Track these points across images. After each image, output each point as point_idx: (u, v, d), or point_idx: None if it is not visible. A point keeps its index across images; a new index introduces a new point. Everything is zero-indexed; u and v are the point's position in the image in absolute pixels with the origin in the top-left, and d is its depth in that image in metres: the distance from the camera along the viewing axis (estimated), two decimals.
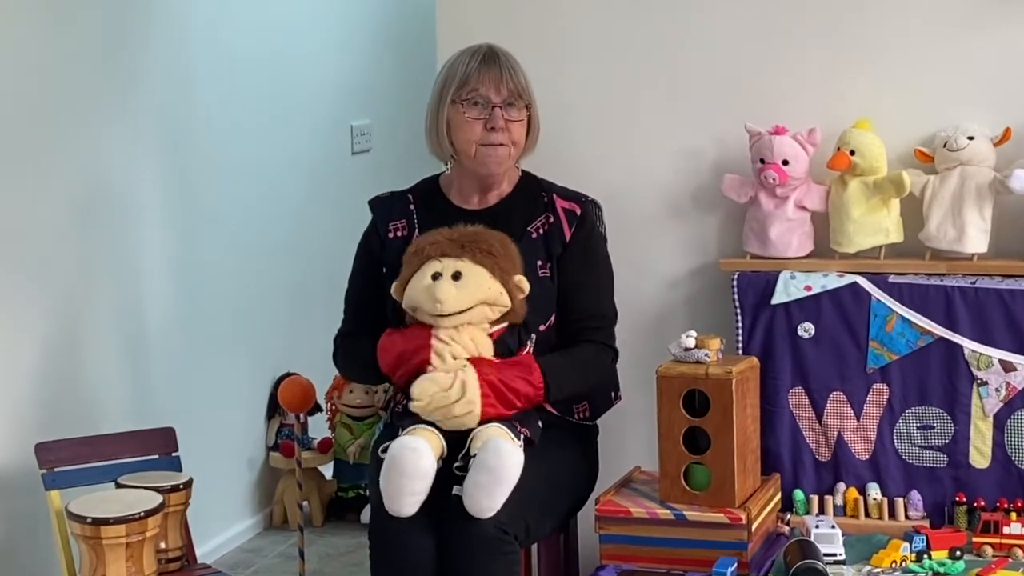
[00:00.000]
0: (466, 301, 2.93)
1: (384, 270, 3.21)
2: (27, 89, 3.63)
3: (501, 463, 2.84)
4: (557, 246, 3.19)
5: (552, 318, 3.18)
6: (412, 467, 2.84)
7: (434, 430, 2.92)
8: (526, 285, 3.00)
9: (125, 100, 4.04)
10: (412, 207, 3.26)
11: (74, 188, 3.83)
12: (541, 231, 3.20)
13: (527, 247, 3.18)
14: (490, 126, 3.13)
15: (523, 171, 3.29)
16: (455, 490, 2.89)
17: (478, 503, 2.85)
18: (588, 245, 3.22)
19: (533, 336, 3.09)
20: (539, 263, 3.18)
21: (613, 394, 3.37)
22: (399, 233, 3.23)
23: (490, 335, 2.98)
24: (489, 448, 2.85)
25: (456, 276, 2.92)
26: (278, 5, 4.86)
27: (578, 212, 3.22)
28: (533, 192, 3.25)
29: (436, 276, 2.93)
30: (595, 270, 3.23)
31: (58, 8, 3.73)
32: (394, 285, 3.03)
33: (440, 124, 3.18)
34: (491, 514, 2.86)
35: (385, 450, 2.92)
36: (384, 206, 3.29)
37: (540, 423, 3.08)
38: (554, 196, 3.24)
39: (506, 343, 3.01)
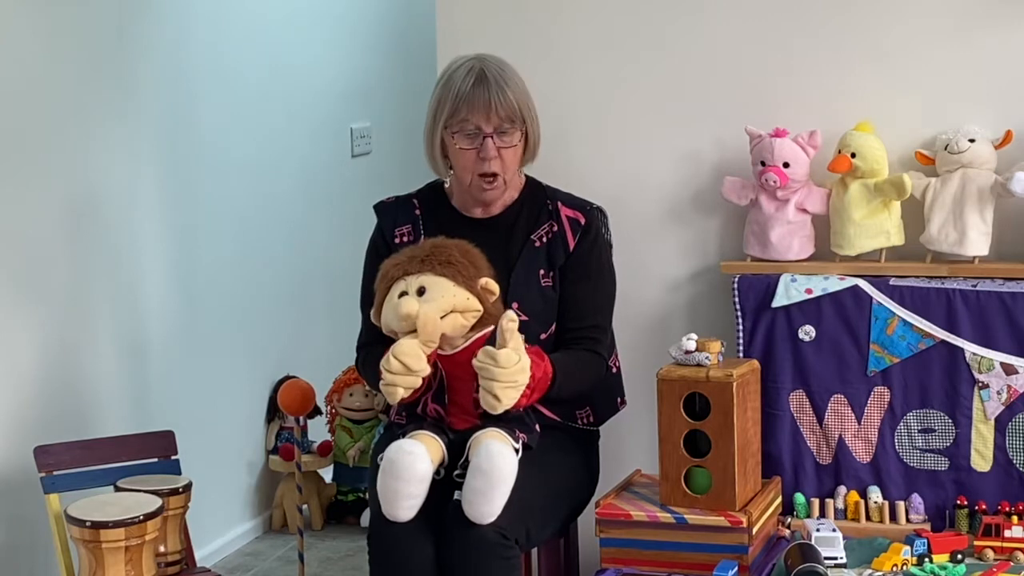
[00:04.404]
0: (433, 312, 2.89)
1: None
2: (26, 93, 3.63)
3: (493, 465, 2.82)
4: (560, 255, 3.18)
5: (553, 327, 3.18)
6: (407, 471, 2.83)
7: (435, 436, 2.91)
8: (494, 287, 2.95)
9: (124, 102, 4.04)
10: (418, 212, 3.25)
11: (73, 191, 3.83)
12: (544, 240, 3.19)
13: (530, 256, 3.17)
14: (482, 156, 3.10)
15: (528, 177, 3.28)
16: (456, 495, 2.88)
17: (477, 509, 2.84)
18: (591, 255, 3.21)
19: (522, 336, 3.07)
20: (541, 272, 3.17)
21: (619, 399, 3.36)
22: (405, 239, 3.22)
23: (476, 340, 2.95)
24: (481, 452, 2.84)
25: (420, 291, 2.89)
26: (278, 8, 4.86)
27: (582, 221, 3.20)
28: (537, 200, 3.24)
29: (403, 296, 2.90)
30: (597, 281, 3.22)
31: (56, 13, 3.73)
32: (371, 312, 3.00)
33: (435, 147, 3.17)
34: (492, 519, 2.85)
35: None
36: (390, 211, 3.27)
37: (538, 427, 3.07)
38: (558, 204, 3.23)
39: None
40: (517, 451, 2.89)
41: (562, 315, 3.18)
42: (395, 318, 2.88)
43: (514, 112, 3.11)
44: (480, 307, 2.92)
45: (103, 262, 3.95)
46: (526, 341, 3.04)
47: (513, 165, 3.15)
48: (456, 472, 2.90)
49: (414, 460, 2.83)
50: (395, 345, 2.86)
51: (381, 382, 2.89)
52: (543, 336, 3.15)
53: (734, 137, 3.46)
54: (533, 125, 3.17)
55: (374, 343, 3.06)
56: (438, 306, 2.87)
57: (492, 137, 3.09)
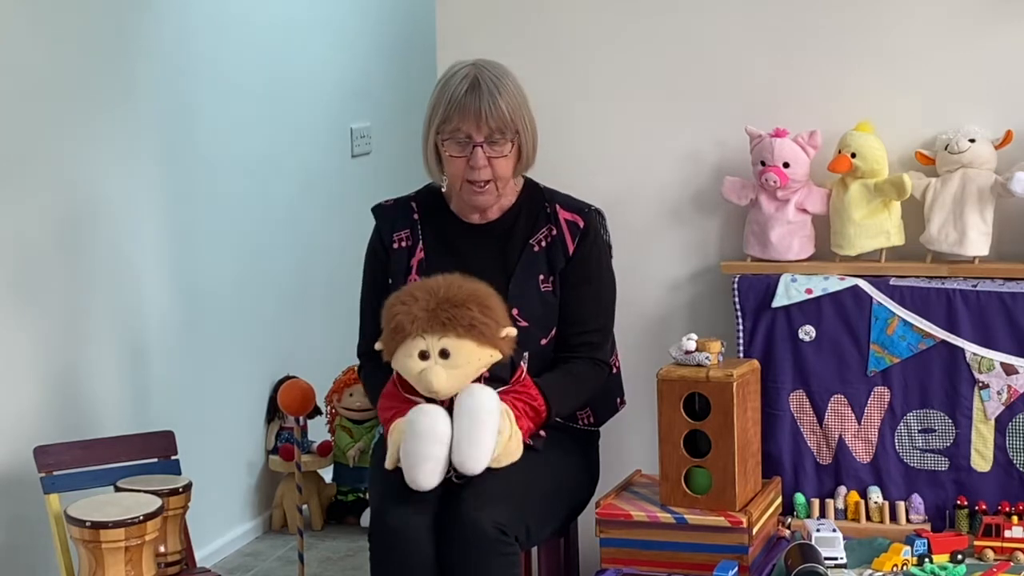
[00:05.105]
0: (461, 381, 2.90)
1: (390, 281, 3.20)
2: (25, 94, 3.63)
3: (474, 402, 2.85)
4: (560, 260, 3.17)
5: (553, 331, 3.17)
6: (429, 428, 2.85)
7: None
8: (514, 332, 2.95)
9: (124, 103, 4.04)
10: (416, 216, 3.24)
11: (73, 192, 3.82)
12: (543, 244, 3.18)
13: (529, 261, 3.17)
14: (471, 164, 3.09)
15: (526, 179, 3.26)
16: (453, 477, 2.90)
17: (465, 454, 2.84)
18: (591, 258, 3.20)
19: (526, 354, 3.08)
20: (541, 277, 3.16)
21: (618, 400, 3.37)
22: (403, 244, 3.22)
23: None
24: (461, 395, 2.88)
25: (444, 354, 2.88)
26: (278, 8, 4.85)
27: (581, 225, 3.19)
28: (535, 202, 3.23)
29: (423, 355, 2.89)
30: (597, 285, 3.21)
31: (56, 13, 3.73)
32: (378, 344, 2.97)
33: (430, 150, 3.16)
34: (483, 465, 2.85)
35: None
36: (388, 215, 3.26)
37: (543, 433, 3.07)
38: (556, 207, 3.21)
39: (496, 371, 2.99)
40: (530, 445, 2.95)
41: (563, 320, 3.18)
42: (419, 382, 2.90)
43: (505, 123, 3.08)
44: (501, 355, 2.94)
45: (103, 263, 3.95)
46: (526, 347, 3.04)
47: (505, 173, 3.13)
48: (454, 474, 2.91)
49: (435, 419, 2.86)
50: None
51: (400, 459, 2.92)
52: (543, 341, 3.15)
53: (734, 137, 3.45)
54: (527, 135, 3.14)
55: (376, 354, 3.04)
56: (463, 373, 2.90)
57: (482, 146, 3.08)
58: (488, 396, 2.88)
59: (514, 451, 2.93)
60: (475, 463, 2.85)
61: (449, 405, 2.92)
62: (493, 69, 3.13)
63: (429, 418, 2.86)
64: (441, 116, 3.10)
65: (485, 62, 3.14)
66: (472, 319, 2.88)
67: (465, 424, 2.85)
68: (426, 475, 2.86)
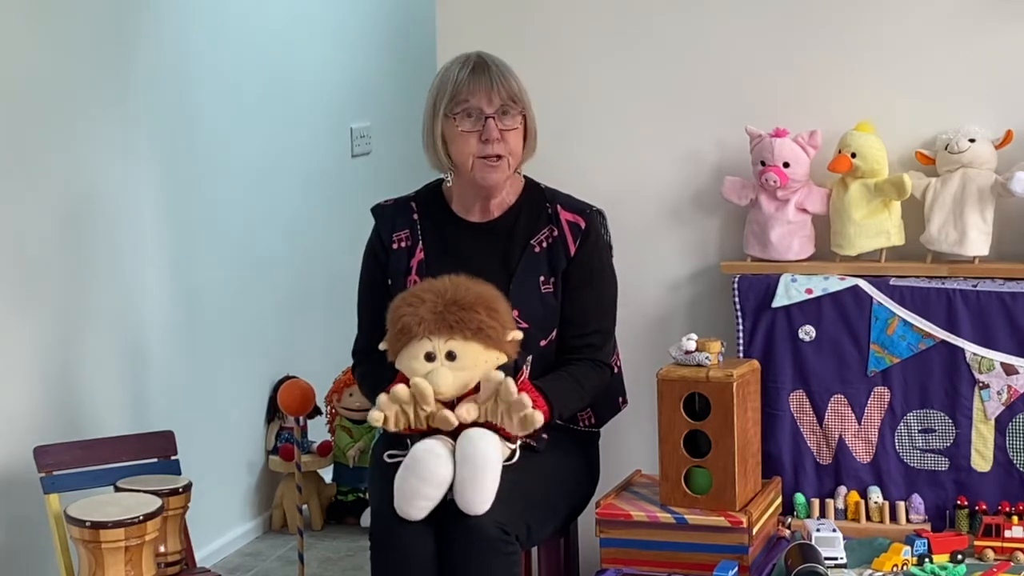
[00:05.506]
0: (465, 383, 2.90)
1: (388, 281, 3.19)
2: (24, 93, 3.63)
3: (476, 451, 2.84)
4: (561, 261, 3.16)
5: (553, 333, 3.16)
6: (431, 472, 2.84)
7: (448, 441, 2.92)
8: (519, 335, 2.96)
9: (123, 102, 4.04)
10: (416, 216, 3.23)
11: (73, 191, 3.82)
12: (544, 245, 3.18)
13: (530, 262, 3.16)
14: (484, 138, 3.07)
15: (526, 178, 3.26)
16: (449, 496, 2.89)
17: (469, 498, 2.85)
18: (592, 259, 3.19)
19: (530, 358, 3.08)
20: (541, 279, 3.16)
21: (620, 399, 3.36)
22: (403, 244, 3.21)
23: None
24: (463, 441, 2.86)
25: (450, 356, 2.88)
26: (278, 8, 4.85)
27: (583, 226, 3.18)
28: (536, 202, 3.22)
29: (429, 356, 2.89)
30: (598, 287, 3.21)
31: (55, 18, 3.72)
32: (382, 345, 2.97)
33: (436, 138, 3.13)
34: (486, 508, 2.85)
35: (392, 456, 2.93)
36: (387, 215, 3.25)
37: (545, 435, 3.07)
38: (558, 207, 3.20)
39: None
40: (514, 452, 2.92)
41: (564, 322, 3.17)
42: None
43: (515, 95, 3.10)
44: (507, 358, 2.94)
45: (103, 262, 3.95)
46: (525, 349, 3.04)
47: (517, 148, 3.12)
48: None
49: (439, 463, 2.85)
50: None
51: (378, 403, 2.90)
52: (543, 343, 3.14)
53: (734, 137, 3.45)
54: (531, 115, 3.15)
55: (371, 350, 3.05)
56: (469, 376, 2.89)
57: (494, 118, 3.08)
58: (491, 444, 2.86)
59: (537, 420, 2.89)
60: (478, 507, 2.85)
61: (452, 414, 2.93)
62: (493, 56, 3.15)
63: (432, 464, 2.85)
64: (450, 95, 3.09)
65: (485, 53, 3.16)
66: (480, 322, 2.88)
67: (468, 473, 2.84)
68: (418, 511, 2.87)
